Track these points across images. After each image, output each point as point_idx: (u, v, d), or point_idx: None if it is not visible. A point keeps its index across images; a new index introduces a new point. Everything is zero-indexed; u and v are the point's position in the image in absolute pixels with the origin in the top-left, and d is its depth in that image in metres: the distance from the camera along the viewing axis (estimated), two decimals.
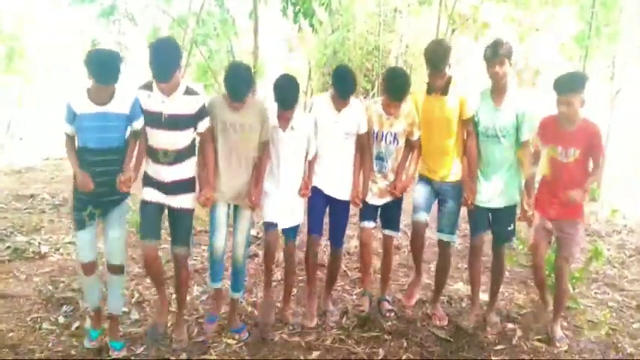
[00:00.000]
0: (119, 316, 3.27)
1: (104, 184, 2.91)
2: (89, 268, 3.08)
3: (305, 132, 3.37)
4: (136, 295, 3.91)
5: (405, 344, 3.40)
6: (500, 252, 3.65)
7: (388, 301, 3.88)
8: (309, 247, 3.65)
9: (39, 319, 3.48)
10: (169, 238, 3.26)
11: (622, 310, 4.08)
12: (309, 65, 12.47)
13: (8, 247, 4.66)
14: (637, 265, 5.17)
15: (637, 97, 9.35)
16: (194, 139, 3.16)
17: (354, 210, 3.73)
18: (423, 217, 3.62)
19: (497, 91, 3.40)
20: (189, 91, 3.01)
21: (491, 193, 3.48)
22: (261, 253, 4.73)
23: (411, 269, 4.21)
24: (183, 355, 3.16)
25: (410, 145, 3.64)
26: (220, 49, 8.61)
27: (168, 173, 3.08)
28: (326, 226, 3.68)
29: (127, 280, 3.89)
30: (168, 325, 3.42)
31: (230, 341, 3.34)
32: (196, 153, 3.21)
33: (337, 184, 3.55)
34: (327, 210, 3.66)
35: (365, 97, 11.03)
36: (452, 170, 3.55)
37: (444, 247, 3.71)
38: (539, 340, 3.52)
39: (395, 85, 3.38)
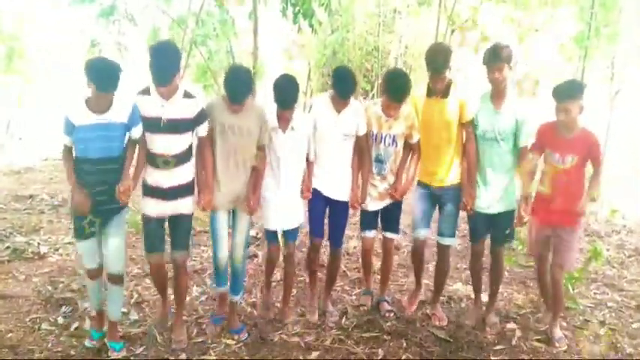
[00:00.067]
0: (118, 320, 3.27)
1: (104, 193, 2.90)
2: (93, 274, 3.08)
3: (305, 132, 3.37)
4: (135, 295, 3.91)
5: (405, 344, 3.40)
6: (498, 254, 3.66)
7: (387, 302, 3.88)
8: (311, 251, 3.69)
9: (38, 320, 3.47)
10: (169, 239, 3.26)
11: (621, 310, 4.08)
12: (308, 65, 12.47)
13: (7, 248, 4.66)
14: (636, 266, 5.17)
15: (636, 98, 9.36)
16: (192, 143, 3.16)
17: (354, 211, 3.73)
18: (422, 234, 3.66)
19: (497, 95, 3.40)
20: (187, 95, 3.02)
21: (491, 199, 3.48)
22: (260, 253, 4.74)
23: (410, 269, 4.21)
24: (183, 356, 3.17)
25: (409, 148, 3.64)
26: (220, 49, 8.62)
27: (166, 179, 3.07)
28: (325, 227, 3.68)
29: (127, 280, 3.89)
30: (168, 324, 3.43)
31: (229, 341, 3.34)
32: (193, 156, 3.20)
33: (336, 185, 3.54)
34: (327, 211, 3.66)
35: (364, 98, 11.04)
36: (451, 173, 3.55)
37: (443, 249, 3.71)
38: (538, 341, 3.53)
39: (395, 86, 3.37)
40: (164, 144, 3.01)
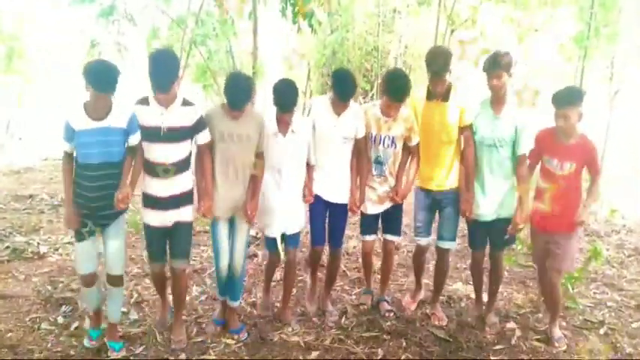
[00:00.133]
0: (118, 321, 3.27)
1: (104, 199, 2.90)
2: (89, 280, 3.06)
3: (305, 136, 3.36)
4: (135, 295, 3.91)
5: (404, 344, 3.41)
6: (498, 258, 3.66)
7: (387, 302, 3.89)
8: (312, 257, 3.72)
9: (38, 320, 3.48)
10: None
11: (621, 310, 4.09)
12: (308, 66, 12.47)
13: (7, 248, 4.66)
14: (636, 265, 5.17)
15: (636, 98, 9.37)
16: (191, 151, 3.16)
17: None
18: (424, 242, 3.72)
19: (497, 101, 3.41)
20: (186, 102, 3.03)
21: (490, 207, 3.48)
22: (260, 253, 4.74)
23: (410, 269, 4.22)
24: (182, 356, 3.17)
25: (408, 151, 3.63)
26: (219, 49, 8.62)
27: (166, 188, 3.07)
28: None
29: (127, 280, 3.89)
30: (168, 324, 3.43)
31: (229, 341, 3.34)
32: (192, 164, 3.20)
33: (336, 188, 3.53)
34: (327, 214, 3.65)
35: (364, 98, 11.03)
36: (451, 177, 3.54)
37: (443, 252, 3.72)
38: (538, 340, 3.53)
39: (395, 86, 3.36)
40: (164, 152, 3.01)
